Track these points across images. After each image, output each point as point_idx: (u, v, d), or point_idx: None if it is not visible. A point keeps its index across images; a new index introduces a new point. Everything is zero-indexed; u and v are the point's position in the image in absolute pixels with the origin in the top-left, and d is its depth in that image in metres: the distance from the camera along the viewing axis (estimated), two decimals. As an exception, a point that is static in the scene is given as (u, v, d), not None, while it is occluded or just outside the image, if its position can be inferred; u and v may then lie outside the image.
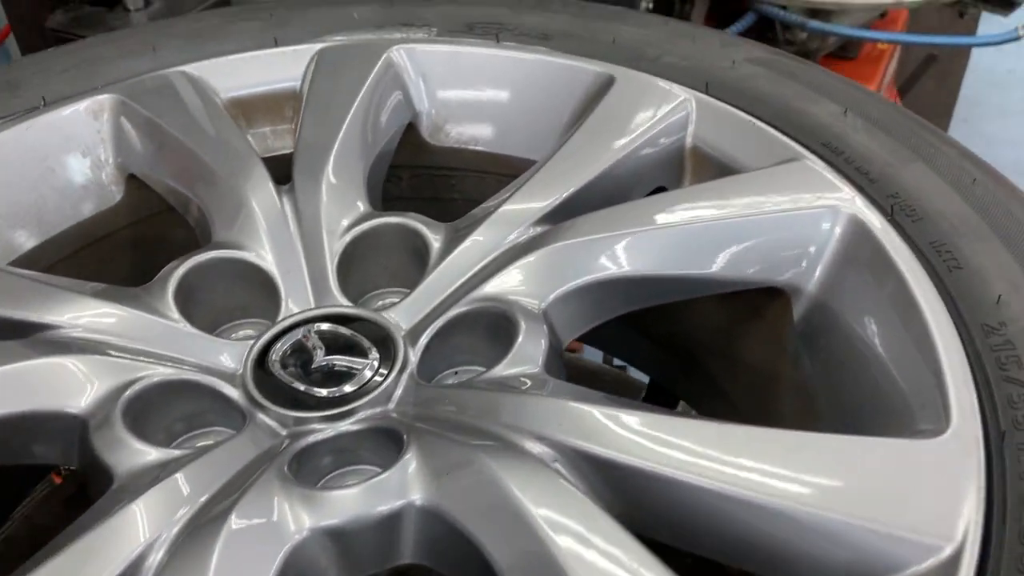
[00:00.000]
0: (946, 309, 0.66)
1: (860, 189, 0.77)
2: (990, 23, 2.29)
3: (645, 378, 1.20)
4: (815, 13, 2.20)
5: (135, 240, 0.96)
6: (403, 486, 0.58)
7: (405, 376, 0.69)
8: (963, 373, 0.62)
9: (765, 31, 2.32)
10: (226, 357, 0.71)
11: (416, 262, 0.79)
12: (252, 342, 0.71)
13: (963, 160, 0.78)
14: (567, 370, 0.73)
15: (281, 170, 0.89)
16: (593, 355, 1.69)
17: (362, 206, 0.83)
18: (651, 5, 2.25)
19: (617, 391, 1.23)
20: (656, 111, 0.88)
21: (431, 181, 1.03)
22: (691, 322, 0.92)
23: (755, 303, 0.82)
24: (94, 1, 1.48)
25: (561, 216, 0.80)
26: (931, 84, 3.17)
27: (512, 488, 0.56)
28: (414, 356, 0.71)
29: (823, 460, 0.57)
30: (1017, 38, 2.16)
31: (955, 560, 0.52)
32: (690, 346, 0.94)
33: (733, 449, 0.58)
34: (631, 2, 2.26)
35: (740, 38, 0.96)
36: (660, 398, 1.15)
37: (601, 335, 0.97)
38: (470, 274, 0.75)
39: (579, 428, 0.60)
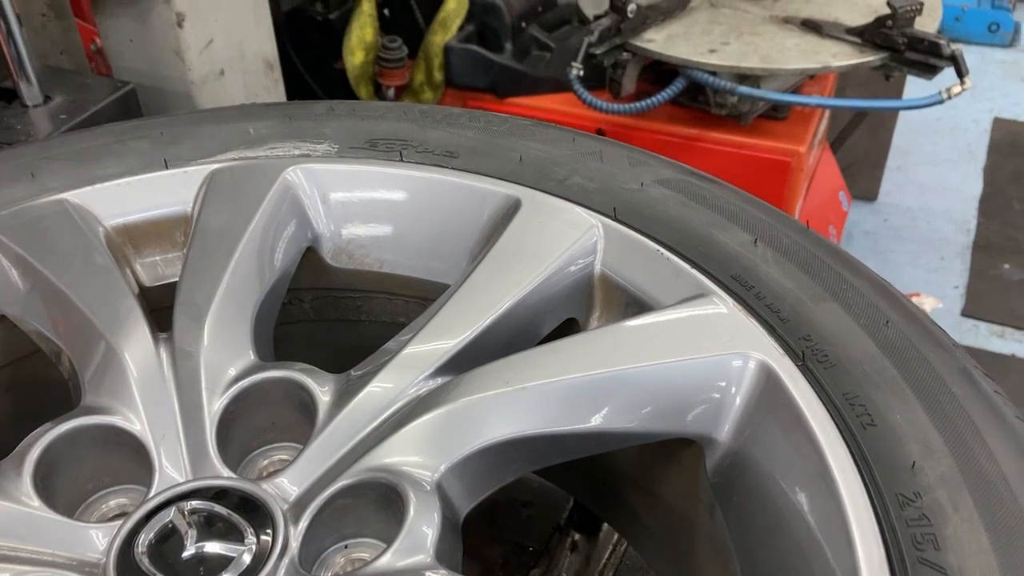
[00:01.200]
0: (859, 474, 0.63)
1: (771, 329, 0.73)
2: (916, 82, 2.32)
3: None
4: (744, 78, 2.21)
5: (10, 383, 0.89)
6: None
7: (285, 562, 0.64)
8: (877, 552, 0.58)
9: (696, 95, 2.33)
10: (88, 546, 0.65)
11: (304, 417, 0.74)
12: (117, 527, 0.65)
13: (876, 297, 0.75)
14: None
15: (171, 298, 0.84)
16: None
17: (248, 354, 0.77)
18: (582, 73, 2.25)
19: (543, 502, 1.19)
20: (563, 238, 0.84)
21: (336, 303, 0.98)
22: (613, 455, 0.87)
23: (671, 448, 0.78)
24: (-10, 96, 1.42)
25: (467, 359, 0.76)
26: (864, 136, 3.22)
27: None
28: (295, 539, 0.65)
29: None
30: (941, 102, 2.19)
31: None
32: (612, 474, 0.90)
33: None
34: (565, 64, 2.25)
35: (649, 155, 0.93)
36: (584, 517, 1.10)
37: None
38: (359, 438, 0.70)
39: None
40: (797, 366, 0.70)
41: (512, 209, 0.87)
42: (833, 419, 0.66)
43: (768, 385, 0.70)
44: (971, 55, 4.34)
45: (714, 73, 2.23)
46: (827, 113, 2.60)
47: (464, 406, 0.70)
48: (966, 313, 2.92)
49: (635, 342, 0.73)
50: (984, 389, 0.68)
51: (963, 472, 0.61)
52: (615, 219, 0.85)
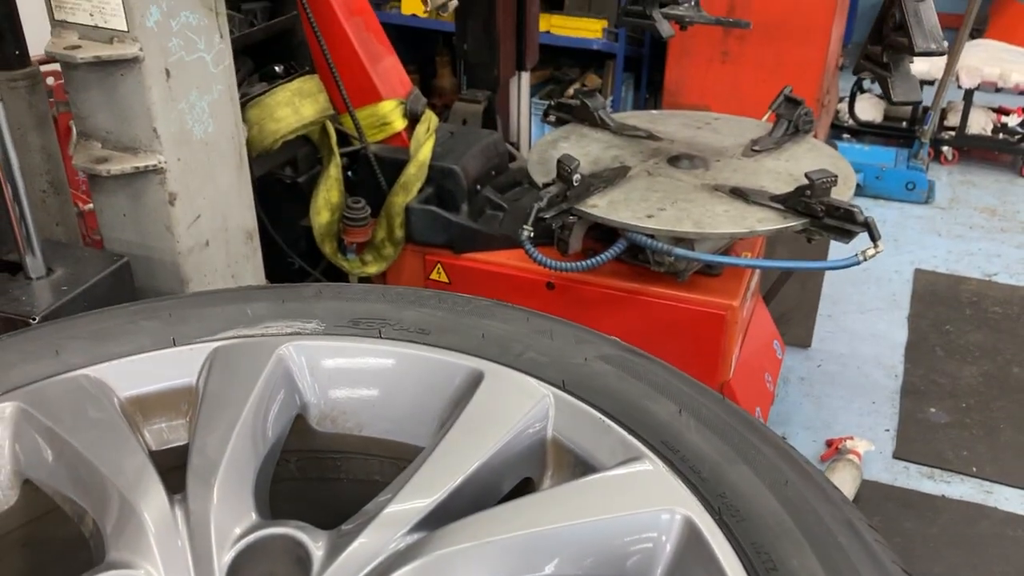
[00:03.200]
0: (765, 613, 0.77)
1: (694, 487, 0.88)
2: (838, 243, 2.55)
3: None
4: (680, 240, 2.42)
5: (28, 540, 0.99)
6: None
7: None
8: None
9: (637, 253, 2.54)
10: None
11: (300, 570, 0.86)
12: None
13: (779, 460, 0.91)
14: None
15: (175, 461, 0.96)
16: None
17: (252, 514, 0.90)
18: (532, 234, 2.45)
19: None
20: (521, 406, 0.99)
21: (318, 463, 1.11)
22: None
23: (611, 588, 0.91)
24: (-5, 268, 1.55)
25: (440, 515, 0.89)
26: (795, 286, 3.46)
27: None
28: None
29: None
30: (858, 263, 2.41)
31: None
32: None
33: None
34: (517, 222, 2.45)
35: (593, 333, 1.10)
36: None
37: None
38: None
39: None
40: (714, 520, 0.85)
41: (476, 380, 1.02)
42: (743, 565, 0.80)
43: (691, 536, 0.84)
44: (891, 211, 4.72)
45: (652, 236, 2.43)
46: (758, 270, 2.82)
47: (438, 558, 0.83)
48: (897, 455, 3.09)
49: (581, 500, 0.88)
50: (865, 538, 0.83)
51: (847, 610, 0.76)
52: (564, 390, 1.00)
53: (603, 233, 2.54)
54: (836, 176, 2.44)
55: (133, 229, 1.67)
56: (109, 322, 1.11)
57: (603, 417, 0.96)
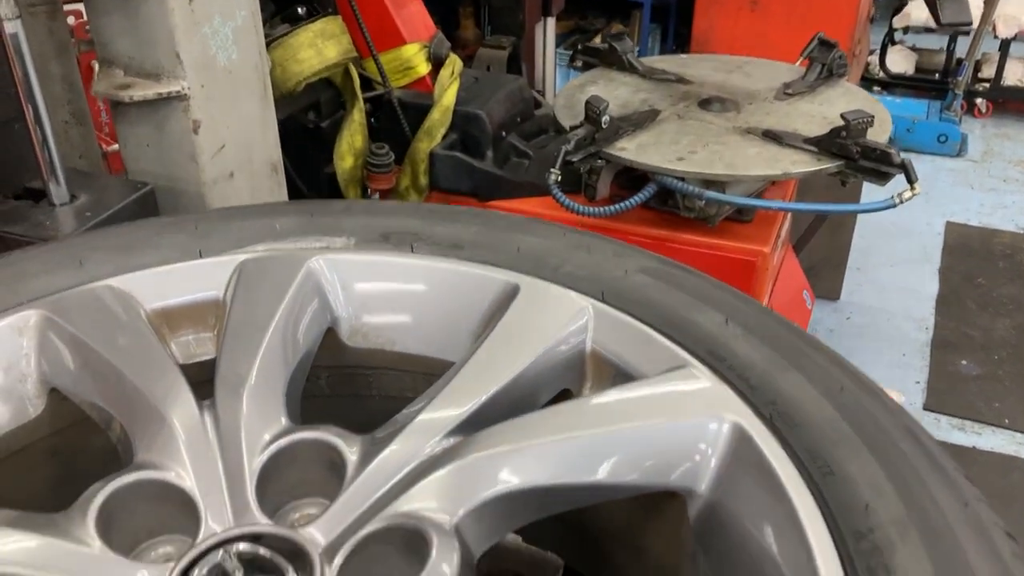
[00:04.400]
0: (821, 514, 0.73)
1: (742, 395, 0.84)
2: (872, 187, 2.49)
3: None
4: (711, 184, 2.37)
5: (55, 449, 0.97)
6: None
7: (322, 597, 0.72)
8: (837, 577, 0.68)
9: (667, 199, 2.49)
10: (146, 581, 0.73)
11: (334, 475, 0.83)
12: (171, 567, 0.74)
13: (832, 367, 0.87)
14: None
15: (203, 374, 0.93)
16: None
17: (282, 420, 0.87)
18: (559, 178, 2.40)
19: (533, 570, 1.26)
20: (559, 319, 0.95)
21: (349, 380, 1.08)
22: (600, 512, 0.97)
23: (656, 501, 0.88)
24: (20, 195, 1.53)
25: (475, 423, 0.86)
26: (825, 238, 3.40)
27: None
28: (332, 573, 0.74)
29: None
30: (893, 205, 2.35)
31: None
32: (600, 535, 0.99)
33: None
34: (542, 170, 2.40)
35: (632, 247, 1.06)
36: (574, 583, 1.18)
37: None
38: (385, 489, 0.79)
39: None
40: (766, 426, 0.81)
41: (511, 293, 0.99)
42: (797, 470, 0.77)
43: (741, 443, 0.80)
44: (923, 164, 4.63)
45: (682, 179, 2.38)
46: (789, 216, 2.76)
47: (477, 460, 0.79)
48: (928, 407, 3.05)
49: (622, 406, 0.84)
50: (926, 444, 0.79)
51: (909, 511, 0.72)
52: (603, 301, 0.96)
53: (630, 180, 2.49)
54: (872, 116, 2.37)
55: (157, 160, 1.64)
56: (134, 235, 1.08)
57: (645, 327, 0.92)
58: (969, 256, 3.83)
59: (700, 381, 0.86)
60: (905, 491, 0.74)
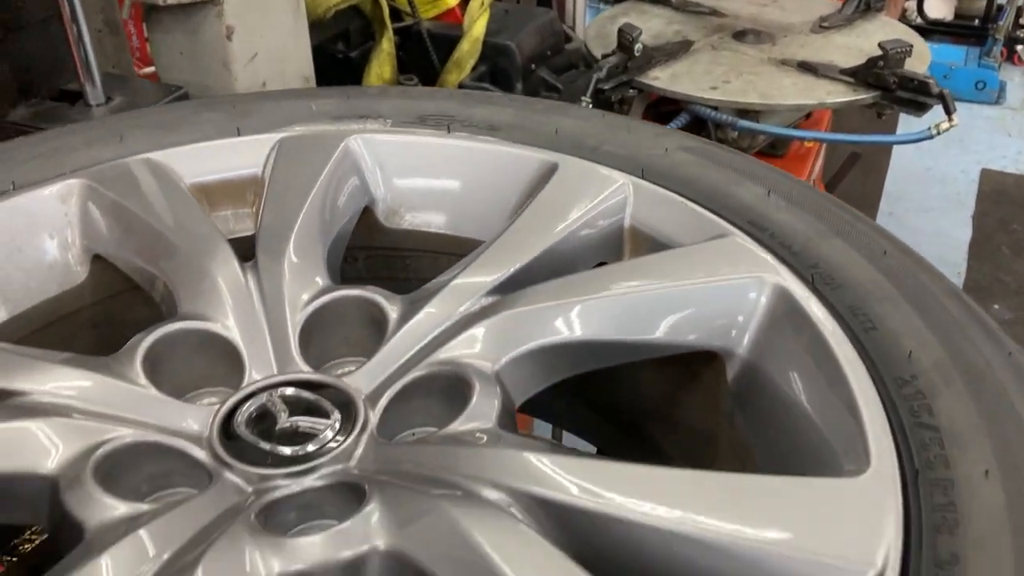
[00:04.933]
0: (864, 365, 0.73)
1: (783, 261, 0.84)
2: (907, 123, 2.46)
3: (591, 449, 1.24)
4: (744, 113, 2.34)
5: (98, 319, 0.99)
6: (367, 533, 0.62)
7: (365, 436, 0.73)
8: (880, 421, 0.68)
9: (699, 130, 2.46)
10: (192, 421, 0.74)
11: (374, 332, 0.84)
12: (218, 406, 0.75)
13: (875, 235, 0.86)
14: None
15: (242, 251, 0.94)
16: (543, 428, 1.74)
17: (322, 281, 0.87)
18: (591, 106, 2.38)
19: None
20: (596, 194, 0.95)
21: (386, 262, 1.08)
22: (634, 390, 0.97)
23: (692, 368, 0.88)
24: (56, 96, 1.53)
25: (508, 290, 0.86)
26: (857, 180, 3.35)
27: (472, 532, 0.59)
28: (374, 418, 0.75)
29: (760, 497, 0.62)
30: (931, 136, 2.31)
31: (877, 584, 0.57)
32: (633, 414, 0.99)
33: (675, 490, 0.62)
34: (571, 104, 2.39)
35: (672, 129, 1.05)
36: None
37: (550, 408, 1.01)
38: (426, 341, 0.80)
39: (532, 475, 0.64)
40: (807, 287, 0.80)
41: (549, 172, 0.98)
42: (840, 326, 0.76)
43: (782, 302, 0.80)
44: (959, 111, 4.53)
45: (715, 108, 2.35)
46: (822, 154, 2.73)
47: (518, 314, 0.80)
48: (957, 348, 3.01)
49: (667, 267, 0.84)
50: (971, 305, 0.78)
51: (953, 359, 0.71)
52: (642, 178, 0.96)
53: (662, 114, 2.46)
54: (911, 46, 2.33)
55: (190, 67, 1.64)
56: (172, 114, 1.08)
57: (685, 201, 0.92)
58: (1004, 203, 3.78)
59: (740, 246, 0.85)
60: (948, 342, 0.73)
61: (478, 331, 0.79)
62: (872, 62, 2.31)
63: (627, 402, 0.99)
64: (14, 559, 1.21)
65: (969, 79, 4.40)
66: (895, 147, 3.28)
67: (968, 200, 3.84)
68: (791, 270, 0.82)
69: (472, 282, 0.86)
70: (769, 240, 0.87)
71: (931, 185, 3.91)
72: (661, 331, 0.81)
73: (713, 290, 0.82)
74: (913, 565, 0.58)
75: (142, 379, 0.76)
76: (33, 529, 1.28)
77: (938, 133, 2.31)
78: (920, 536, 0.59)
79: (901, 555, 0.58)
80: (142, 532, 0.61)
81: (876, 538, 0.59)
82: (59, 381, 0.74)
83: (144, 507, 0.65)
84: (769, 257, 0.84)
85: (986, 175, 3.97)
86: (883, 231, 0.88)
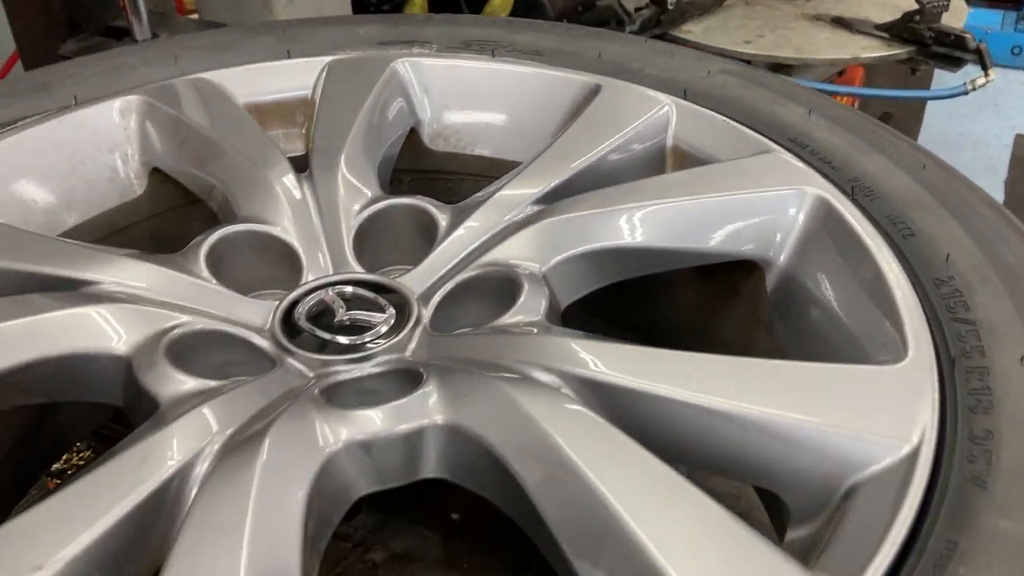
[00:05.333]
0: (902, 268, 0.75)
1: (824, 174, 0.86)
2: (941, 81, 2.44)
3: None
4: (778, 68, 2.34)
5: (154, 233, 1.02)
6: (426, 408, 0.65)
7: (419, 331, 0.76)
8: (918, 316, 0.70)
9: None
10: (254, 314, 0.78)
11: (424, 239, 0.87)
12: (278, 301, 0.78)
13: (915, 151, 0.88)
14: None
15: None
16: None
17: (374, 189, 0.90)
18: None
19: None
20: (639, 114, 0.97)
21: (430, 184, 1.11)
22: (671, 308, 1.00)
23: (731, 282, 0.90)
24: (104, 32, 1.57)
25: (552, 202, 0.88)
26: (887, 143, 3.33)
27: (527, 406, 0.62)
28: (426, 315, 0.78)
29: (799, 380, 0.65)
30: (966, 92, 2.30)
31: (914, 456, 0.59)
32: (670, 332, 1.02)
33: (718, 372, 0.65)
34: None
35: (714, 55, 1.06)
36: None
37: (586, 328, 1.04)
38: (475, 245, 0.83)
39: (582, 359, 0.67)
40: (848, 198, 0.82)
41: (592, 94, 1.00)
42: (879, 232, 0.78)
43: (823, 212, 0.82)
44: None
45: (749, 63, 2.35)
46: (854, 109, 2.72)
47: (565, 220, 0.82)
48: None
49: (712, 178, 0.86)
50: (1007, 214, 0.80)
51: (989, 261, 0.73)
52: (685, 99, 0.97)
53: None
54: (948, 1, 2.31)
55: (231, 7, 1.67)
56: (225, 37, 1.11)
57: (728, 120, 0.94)
58: (1037, 167, 3.74)
59: (783, 160, 0.87)
60: (985, 245, 0.75)
61: (526, 235, 0.81)
62: (908, 16, 2.30)
63: (665, 320, 1.02)
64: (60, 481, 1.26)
65: (1005, 44, 4.34)
66: (927, 111, 3.25)
67: (1001, 166, 3.80)
68: (831, 183, 0.84)
69: (518, 193, 0.88)
70: (809, 156, 0.88)
71: (964, 150, 3.87)
72: (705, 240, 0.84)
73: (757, 200, 0.84)
74: (949, 441, 0.60)
75: (206, 274, 0.79)
76: (78, 449, 1.33)
77: (973, 89, 2.29)
78: (956, 416, 0.62)
79: (937, 433, 0.61)
80: (213, 403, 0.65)
81: (912, 417, 0.61)
82: (129, 272, 0.77)
83: (213, 384, 0.68)
84: (809, 170, 0.86)
85: (1020, 141, 3.93)
86: (922, 148, 0.90)
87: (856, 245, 0.78)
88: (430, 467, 0.66)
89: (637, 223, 0.83)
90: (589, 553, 0.55)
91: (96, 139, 0.97)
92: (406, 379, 0.70)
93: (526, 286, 0.77)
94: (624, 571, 0.53)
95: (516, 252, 0.80)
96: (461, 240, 0.84)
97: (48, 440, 0.97)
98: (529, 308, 0.75)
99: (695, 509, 0.55)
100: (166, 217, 1.02)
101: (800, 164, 0.87)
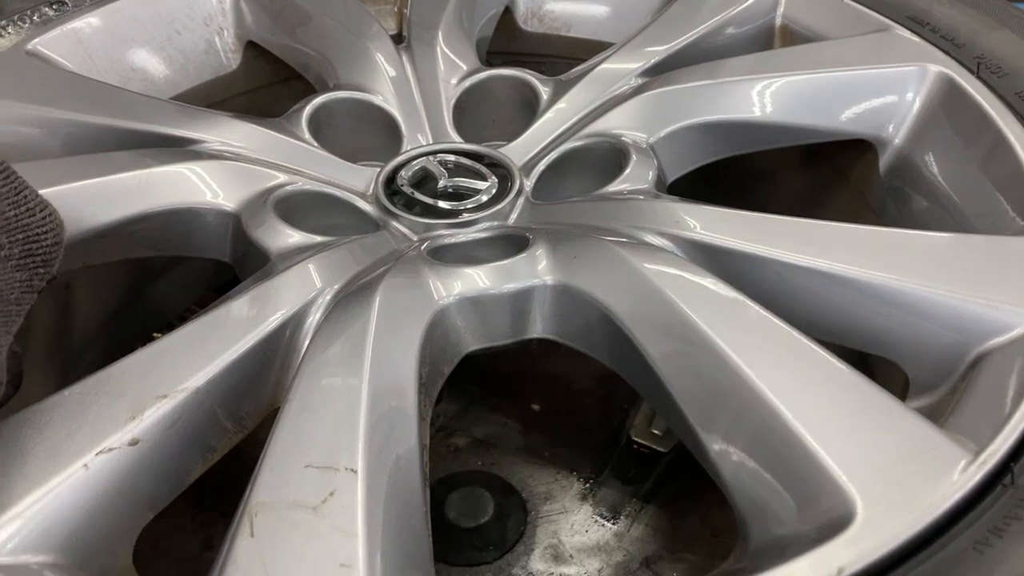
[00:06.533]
0: (1031, 137, 0.71)
1: (947, 52, 0.81)
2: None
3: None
4: None
5: (247, 109, 1.02)
6: (535, 267, 0.64)
7: (521, 199, 0.75)
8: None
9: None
10: (357, 179, 0.77)
11: (525, 112, 0.85)
12: (380, 167, 0.77)
13: (1046, 28, 0.83)
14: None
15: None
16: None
17: (473, 61, 0.89)
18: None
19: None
20: (746, -11, 0.93)
21: (522, 66, 1.08)
22: (777, 194, 0.97)
23: (838, 165, 0.87)
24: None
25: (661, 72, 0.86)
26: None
27: (640, 265, 0.61)
28: (529, 184, 0.77)
29: (927, 248, 0.62)
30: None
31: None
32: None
33: (841, 238, 0.63)
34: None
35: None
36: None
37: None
38: (579, 116, 0.81)
39: (697, 223, 0.65)
40: (973, 75, 0.78)
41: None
42: (1008, 109, 0.74)
43: (945, 89, 0.78)
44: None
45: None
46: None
47: (674, 91, 0.80)
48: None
49: (828, 54, 0.82)
50: None
51: None
52: (797, -23, 0.93)
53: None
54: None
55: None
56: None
57: (841, -2, 0.89)
58: None
59: (902, 37, 0.83)
60: None
61: (633, 106, 0.79)
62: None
63: (771, 208, 0.99)
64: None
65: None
66: None
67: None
68: (954, 60, 0.80)
69: (622, 67, 0.86)
70: (930, 34, 0.84)
71: None
72: (819, 116, 0.80)
73: (874, 77, 0.80)
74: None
75: (308, 138, 0.79)
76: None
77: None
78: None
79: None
80: (322, 256, 0.65)
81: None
82: (234, 133, 0.77)
83: (321, 239, 0.68)
84: (930, 48, 0.81)
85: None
86: (1055, 28, 0.85)
87: (982, 123, 0.74)
88: (537, 327, 0.65)
89: (750, 97, 0.80)
90: (714, 417, 0.54)
91: (191, 10, 0.97)
92: (511, 243, 0.69)
93: (633, 156, 0.75)
94: (751, 434, 0.52)
95: (623, 122, 0.78)
96: (564, 112, 0.82)
97: (141, 314, 0.99)
98: (636, 177, 0.73)
99: (826, 371, 0.53)
100: (260, 93, 1.02)
101: (921, 41, 0.82)
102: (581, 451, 1.08)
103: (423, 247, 0.69)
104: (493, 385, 1.08)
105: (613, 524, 0.88)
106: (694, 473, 0.83)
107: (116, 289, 0.92)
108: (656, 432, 0.90)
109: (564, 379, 1.05)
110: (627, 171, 0.74)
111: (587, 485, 0.93)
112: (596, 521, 0.90)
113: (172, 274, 0.97)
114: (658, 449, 0.90)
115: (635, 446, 0.91)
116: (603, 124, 0.79)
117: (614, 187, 0.73)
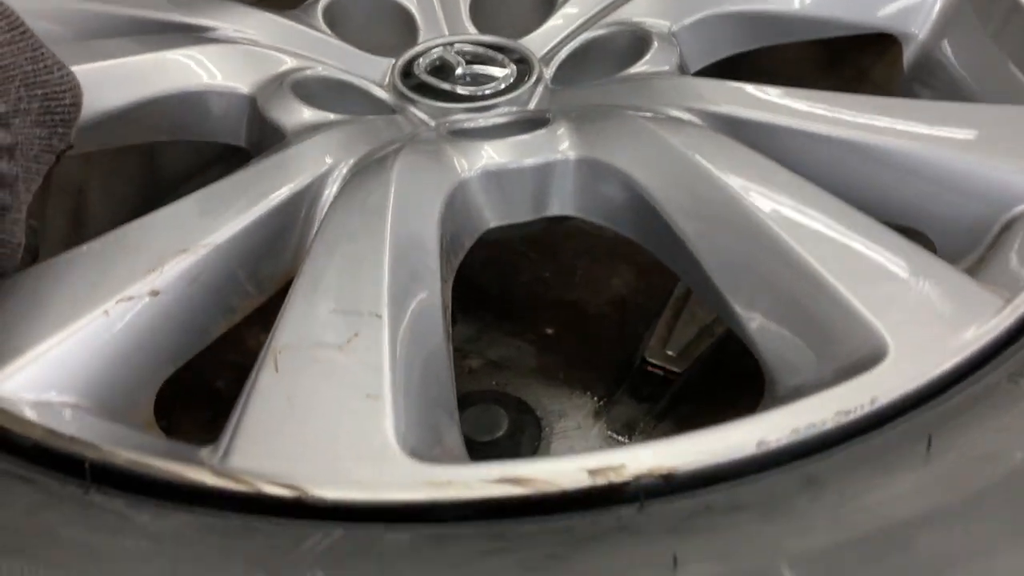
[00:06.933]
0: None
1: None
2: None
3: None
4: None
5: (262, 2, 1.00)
6: (555, 142, 0.63)
7: (540, 87, 0.74)
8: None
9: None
10: (373, 68, 0.76)
11: (544, 4, 0.84)
12: (397, 56, 0.76)
13: None
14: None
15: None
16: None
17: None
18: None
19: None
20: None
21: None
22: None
23: (861, 65, 0.86)
24: None
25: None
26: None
27: (668, 136, 0.60)
28: (548, 72, 0.76)
29: (954, 116, 0.61)
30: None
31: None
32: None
33: (865, 107, 0.62)
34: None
35: None
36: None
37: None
38: (600, 7, 0.80)
39: (720, 97, 0.64)
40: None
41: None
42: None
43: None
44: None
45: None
46: None
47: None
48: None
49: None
50: None
51: None
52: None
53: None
54: None
55: None
56: None
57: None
58: None
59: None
60: None
61: (654, -2, 0.78)
62: None
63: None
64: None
65: None
66: None
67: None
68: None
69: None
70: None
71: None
72: (844, 8, 0.79)
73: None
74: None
75: (323, 27, 0.78)
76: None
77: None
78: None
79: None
80: (339, 129, 0.64)
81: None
82: (248, 21, 0.76)
83: (337, 116, 0.67)
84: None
85: None
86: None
87: (1013, 12, 0.73)
88: (558, 204, 0.64)
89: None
90: (739, 277, 0.54)
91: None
92: (532, 126, 0.68)
93: (655, 42, 0.74)
94: (779, 288, 0.52)
95: (644, 9, 0.77)
96: (584, 2, 0.81)
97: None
98: (658, 61, 0.72)
99: (857, 225, 0.53)
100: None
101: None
102: (595, 373, 1.07)
103: (441, 130, 0.68)
104: (507, 310, 1.08)
105: (627, 440, 0.88)
106: (709, 392, 0.83)
107: (128, 201, 0.92)
108: (670, 353, 0.90)
109: (578, 305, 1.05)
110: (649, 55, 0.73)
111: (601, 403, 0.92)
112: (610, 437, 0.89)
113: (187, 186, 0.96)
114: (672, 370, 0.89)
115: (649, 367, 0.90)
116: (624, 13, 0.77)
117: (636, 69, 0.72)
